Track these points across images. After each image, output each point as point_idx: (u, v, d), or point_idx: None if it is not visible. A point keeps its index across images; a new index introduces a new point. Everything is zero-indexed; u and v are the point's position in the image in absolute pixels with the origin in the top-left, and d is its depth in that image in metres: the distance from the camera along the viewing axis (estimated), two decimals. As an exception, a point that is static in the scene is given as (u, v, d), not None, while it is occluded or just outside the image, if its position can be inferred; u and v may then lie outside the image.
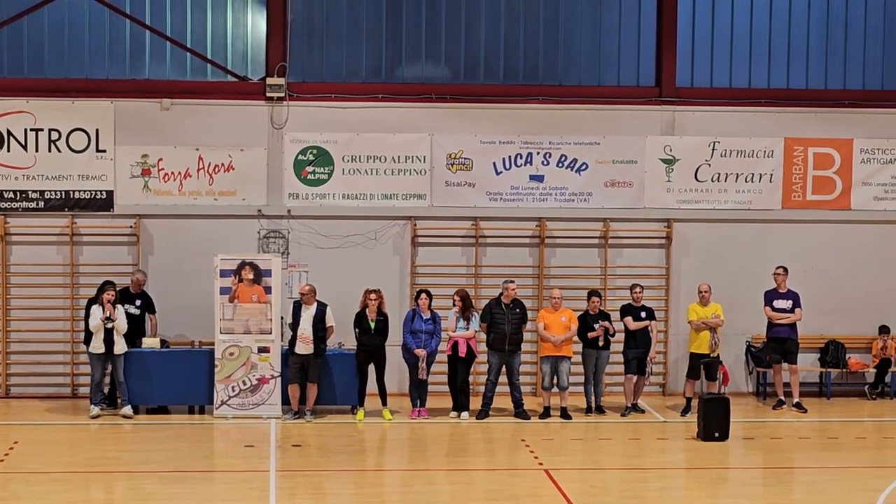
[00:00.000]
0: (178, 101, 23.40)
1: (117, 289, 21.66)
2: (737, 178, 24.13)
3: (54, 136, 23.18)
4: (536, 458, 18.83)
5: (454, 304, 21.79)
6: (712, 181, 24.11)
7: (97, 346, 21.29)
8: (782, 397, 22.80)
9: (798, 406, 22.61)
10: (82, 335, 22.21)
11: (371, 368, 21.67)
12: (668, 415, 22.37)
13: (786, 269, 22.83)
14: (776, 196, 24.22)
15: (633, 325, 22.11)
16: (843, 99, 24.38)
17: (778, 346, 22.74)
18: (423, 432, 20.83)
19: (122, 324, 21.36)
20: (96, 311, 21.28)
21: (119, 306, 21.45)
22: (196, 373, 21.74)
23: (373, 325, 21.48)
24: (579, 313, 22.08)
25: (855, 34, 24.59)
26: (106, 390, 21.90)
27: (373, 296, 21.52)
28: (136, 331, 21.93)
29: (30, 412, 22.08)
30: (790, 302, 22.68)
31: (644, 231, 24.13)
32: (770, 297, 22.79)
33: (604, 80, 24.36)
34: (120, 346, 21.38)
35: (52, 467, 18.02)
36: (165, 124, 23.39)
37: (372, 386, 21.67)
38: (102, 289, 21.50)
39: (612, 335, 22.13)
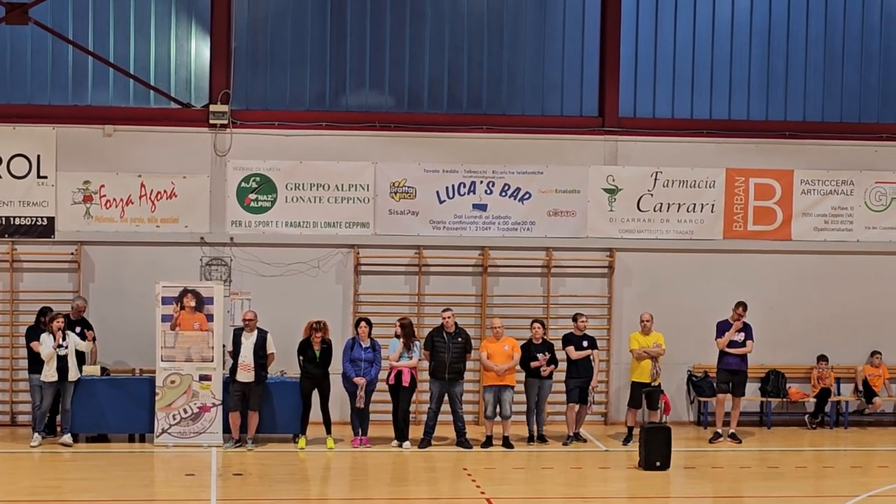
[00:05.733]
0: (120, 127, 23.30)
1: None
2: (679, 207, 24.26)
3: (-6, 161, 23.08)
4: (478, 486, 18.81)
5: (397, 334, 21.75)
6: (654, 211, 24.23)
7: (50, 374, 21.09)
8: (720, 430, 22.71)
9: (733, 436, 22.65)
10: (22, 362, 22.05)
11: (315, 397, 21.61)
12: (609, 444, 22.40)
13: (745, 307, 22.76)
14: (718, 226, 24.38)
15: (575, 354, 22.15)
16: (783, 130, 24.58)
17: (728, 376, 22.76)
18: (364, 461, 20.78)
19: (82, 345, 21.23)
20: (47, 339, 21.09)
21: (70, 332, 21.29)
22: (137, 401, 21.62)
23: (318, 353, 21.43)
24: (522, 342, 22.10)
25: (796, 67, 24.79)
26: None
27: (318, 335, 21.44)
28: (76, 358, 21.74)
29: (-32, 440, 21.92)
30: (742, 334, 22.69)
31: (586, 260, 24.19)
32: (723, 327, 22.80)
33: (547, 109, 24.44)
34: (73, 374, 21.22)
35: (-11, 496, 17.88)
36: (108, 151, 23.28)
37: (316, 414, 21.60)
38: (43, 315, 21.38)
39: (549, 375, 22.12)
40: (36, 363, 21.40)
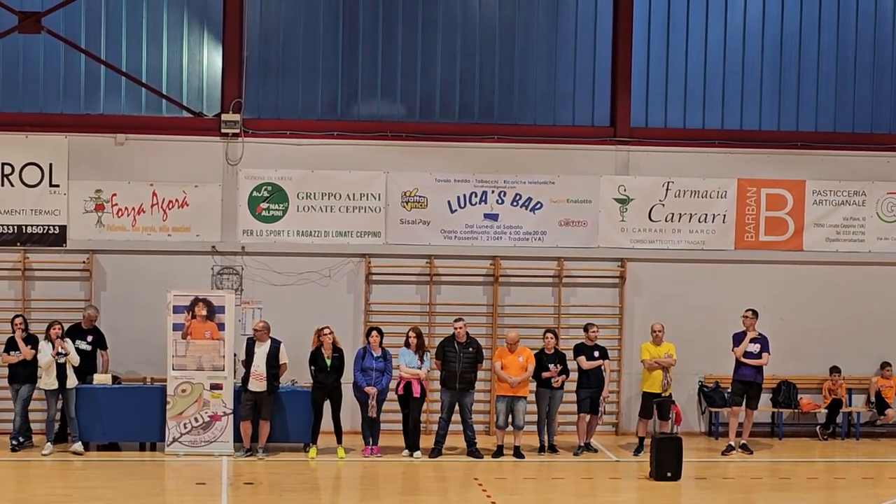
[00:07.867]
0: (132, 136, 23.33)
1: (64, 326, 21.52)
2: (690, 218, 24.24)
3: (7, 170, 23.06)
4: (489, 496, 18.79)
5: (408, 343, 21.72)
6: (666, 221, 24.21)
7: (49, 382, 21.14)
8: (732, 442, 22.57)
9: (744, 447, 22.59)
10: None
11: (326, 406, 21.60)
12: (620, 454, 22.37)
13: (755, 313, 22.73)
14: (729, 236, 24.35)
15: (587, 364, 22.12)
16: (795, 141, 24.55)
17: (743, 388, 22.65)
18: (375, 470, 20.77)
19: (74, 356, 21.24)
20: (46, 347, 21.11)
21: (67, 339, 21.32)
22: (148, 409, 21.63)
23: (329, 361, 21.43)
24: (534, 352, 22.06)
25: (808, 77, 24.76)
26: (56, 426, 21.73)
27: (326, 330, 21.44)
28: (87, 367, 21.79)
29: (-21, 448, 21.93)
30: (758, 345, 22.58)
31: (598, 270, 24.18)
32: (739, 338, 22.66)
33: (559, 119, 24.44)
34: (72, 381, 21.25)
35: (0, 504, 17.88)
36: (120, 159, 23.31)
37: (327, 423, 21.59)
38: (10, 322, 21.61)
39: (561, 385, 22.09)
40: (12, 373, 21.59)
